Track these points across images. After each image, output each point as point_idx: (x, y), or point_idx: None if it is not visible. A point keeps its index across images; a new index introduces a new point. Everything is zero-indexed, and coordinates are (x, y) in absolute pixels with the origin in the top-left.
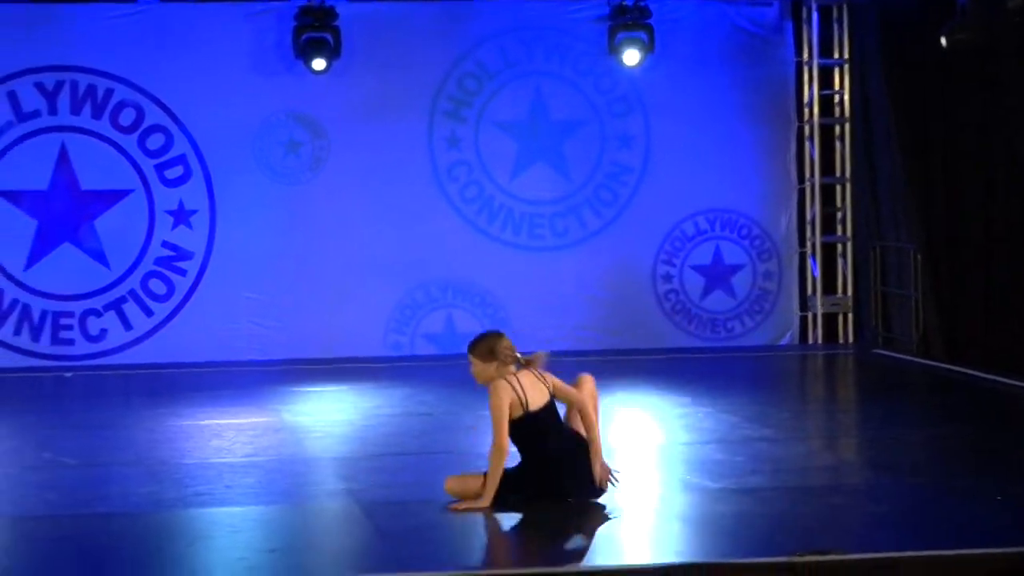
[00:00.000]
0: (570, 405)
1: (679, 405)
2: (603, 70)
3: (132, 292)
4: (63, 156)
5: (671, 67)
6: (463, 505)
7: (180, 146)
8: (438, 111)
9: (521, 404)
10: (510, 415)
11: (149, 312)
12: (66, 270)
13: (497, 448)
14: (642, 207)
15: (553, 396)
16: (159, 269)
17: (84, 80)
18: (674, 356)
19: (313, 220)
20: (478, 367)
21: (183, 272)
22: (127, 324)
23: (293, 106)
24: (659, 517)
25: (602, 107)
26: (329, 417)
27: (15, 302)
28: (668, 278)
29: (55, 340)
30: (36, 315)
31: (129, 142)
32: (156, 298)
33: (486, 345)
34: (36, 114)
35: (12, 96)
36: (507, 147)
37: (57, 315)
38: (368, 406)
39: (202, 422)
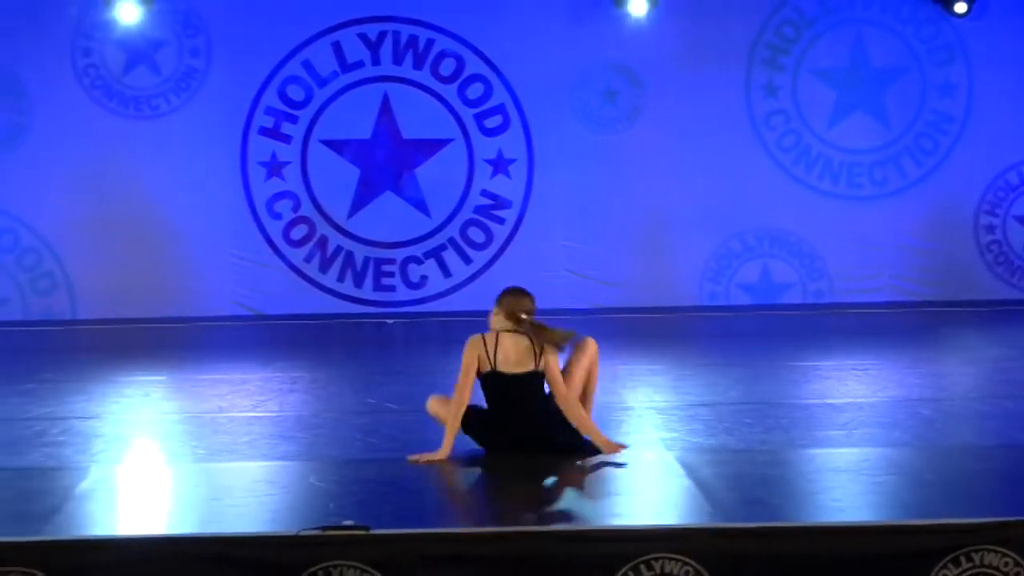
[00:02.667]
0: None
1: (999, 358)
2: (924, 17)
3: (451, 240)
4: (385, 106)
5: (996, 15)
6: (422, 457)
7: (499, 95)
8: (756, 59)
9: (489, 361)
10: (479, 369)
11: (468, 260)
12: (387, 218)
13: (455, 400)
14: (964, 156)
15: (543, 373)
16: (478, 217)
17: (406, 30)
18: (995, 308)
19: (629, 169)
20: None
21: (501, 220)
22: (446, 271)
23: (611, 55)
24: (966, 473)
25: (923, 55)
26: (642, 365)
27: (339, 249)
28: (990, 228)
29: (377, 287)
30: (359, 262)
31: (449, 92)
32: (475, 246)
33: (502, 295)
34: (359, 64)
35: (337, 47)
36: (825, 95)
37: (379, 262)
38: (680, 355)
39: None
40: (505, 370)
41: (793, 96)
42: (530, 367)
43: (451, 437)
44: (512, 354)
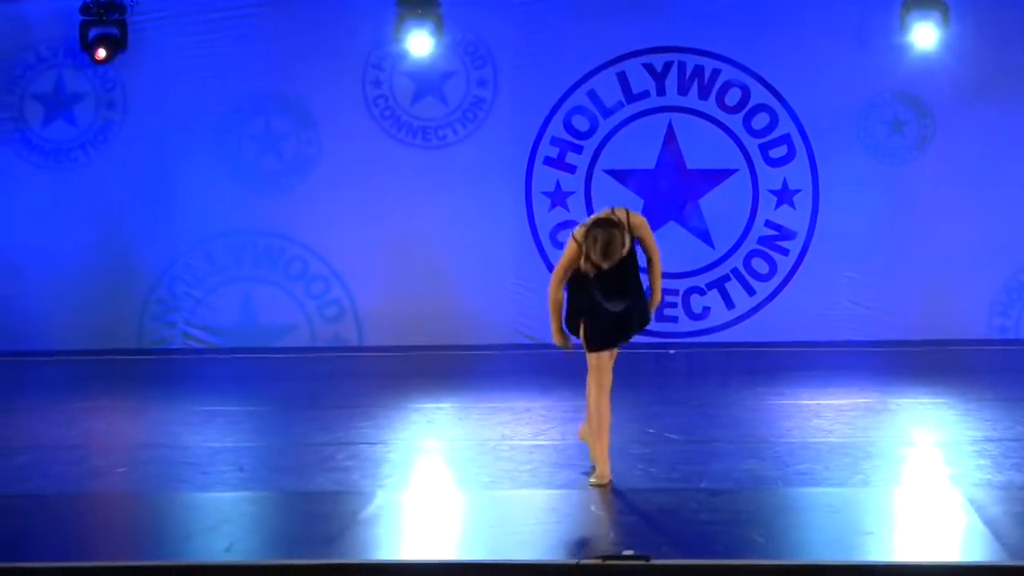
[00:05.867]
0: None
1: None
2: None
3: (735, 271)
4: (670, 136)
5: None
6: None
7: (784, 125)
8: None
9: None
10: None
11: (751, 291)
12: (671, 248)
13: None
14: None
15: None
16: (762, 248)
17: (691, 61)
18: None
19: (917, 200)
20: None
21: (785, 251)
22: (729, 302)
23: (898, 85)
24: None
25: None
26: (927, 398)
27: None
28: None
29: (660, 317)
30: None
31: (735, 122)
32: (758, 277)
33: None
34: (645, 95)
35: (622, 77)
36: None
37: (662, 292)
38: (968, 389)
39: (802, 401)
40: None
41: None
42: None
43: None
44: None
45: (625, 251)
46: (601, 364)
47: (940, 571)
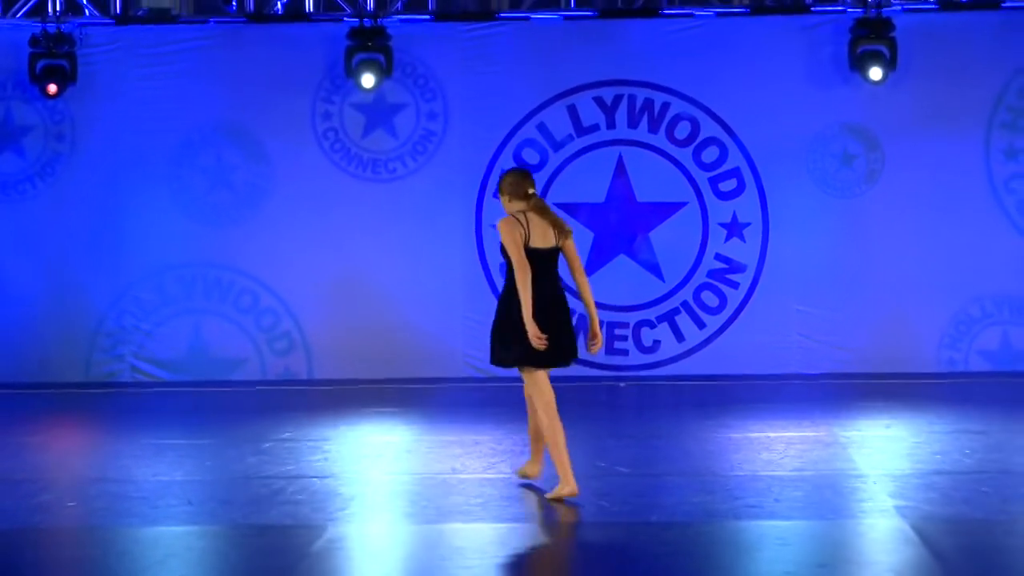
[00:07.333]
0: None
1: None
2: None
3: (685, 304)
4: (620, 169)
5: None
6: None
7: (734, 159)
8: (996, 123)
9: (523, 236)
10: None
11: (701, 324)
12: (621, 281)
13: (519, 268)
14: None
15: (559, 249)
16: (712, 281)
17: (642, 94)
18: None
19: (867, 233)
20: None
21: (735, 285)
22: (679, 336)
23: (848, 118)
24: None
25: None
26: (878, 432)
27: (571, 311)
28: None
29: (609, 350)
30: None
31: (684, 155)
32: (708, 310)
33: (502, 181)
34: (595, 128)
35: (572, 110)
36: None
37: (612, 325)
38: (919, 422)
39: (752, 434)
40: (538, 245)
41: None
42: (552, 243)
43: (527, 306)
44: (540, 230)
45: (554, 238)
46: (538, 380)
47: None
